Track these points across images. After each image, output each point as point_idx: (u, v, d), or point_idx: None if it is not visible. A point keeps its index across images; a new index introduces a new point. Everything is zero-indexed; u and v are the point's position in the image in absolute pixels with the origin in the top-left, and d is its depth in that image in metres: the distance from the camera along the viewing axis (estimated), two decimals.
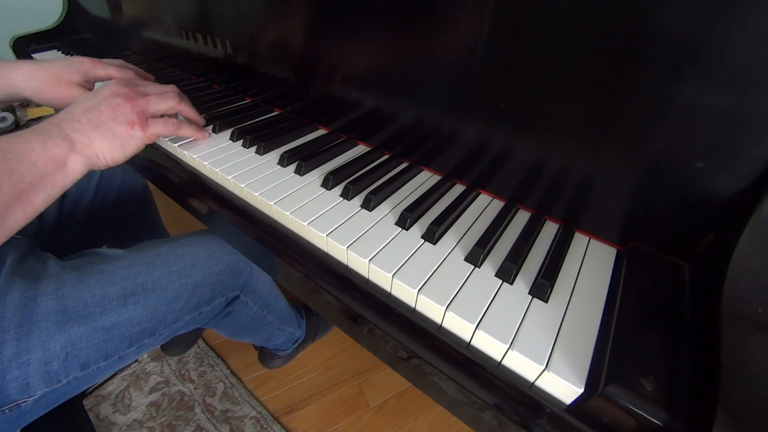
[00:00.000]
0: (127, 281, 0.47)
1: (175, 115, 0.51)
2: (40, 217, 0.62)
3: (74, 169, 0.39)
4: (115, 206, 0.74)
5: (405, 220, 0.38)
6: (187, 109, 0.51)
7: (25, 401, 0.40)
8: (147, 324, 0.48)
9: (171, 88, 0.49)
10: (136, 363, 0.96)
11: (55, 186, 0.38)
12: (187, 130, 0.50)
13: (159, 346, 0.98)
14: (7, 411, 0.39)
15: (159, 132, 0.45)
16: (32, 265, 0.45)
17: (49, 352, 0.41)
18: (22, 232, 0.52)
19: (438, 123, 0.44)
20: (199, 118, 0.54)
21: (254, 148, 0.51)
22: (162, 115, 0.48)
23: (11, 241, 0.48)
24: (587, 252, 0.37)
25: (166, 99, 0.46)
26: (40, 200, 0.37)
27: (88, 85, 0.55)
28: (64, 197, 0.65)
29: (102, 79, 0.55)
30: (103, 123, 0.41)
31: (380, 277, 0.34)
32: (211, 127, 0.57)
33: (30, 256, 0.47)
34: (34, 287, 0.42)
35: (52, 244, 0.63)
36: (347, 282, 0.36)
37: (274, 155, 0.50)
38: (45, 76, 0.51)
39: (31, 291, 0.42)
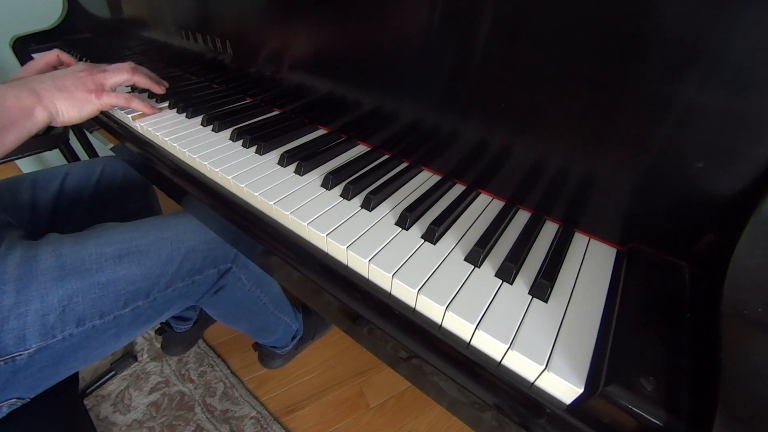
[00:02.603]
0: (122, 243, 0.50)
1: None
2: (34, 212, 0.63)
3: (39, 118, 0.48)
4: (117, 204, 0.74)
5: (405, 220, 0.38)
6: (142, 80, 0.59)
7: (21, 354, 0.41)
8: (141, 284, 0.50)
9: (126, 65, 0.58)
10: (136, 363, 0.96)
11: (23, 129, 0.46)
12: (137, 104, 0.58)
13: (159, 346, 0.98)
14: (2, 363, 0.40)
15: (111, 102, 0.55)
16: (33, 240, 0.48)
17: (46, 304, 0.43)
18: (17, 224, 0.54)
19: (438, 123, 0.44)
20: (157, 85, 0.62)
21: (254, 148, 0.51)
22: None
23: (11, 226, 0.51)
24: (587, 252, 0.37)
25: (119, 73, 0.56)
26: (10, 140, 0.45)
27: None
28: (60, 193, 0.67)
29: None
30: (66, 88, 0.50)
31: (380, 277, 0.34)
32: (211, 127, 0.57)
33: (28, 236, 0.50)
34: (35, 249, 0.45)
35: None
36: (347, 282, 0.36)
37: (274, 155, 0.50)
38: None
39: (31, 251, 0.45)
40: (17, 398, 0.44)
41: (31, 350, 0.42)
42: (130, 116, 0.59)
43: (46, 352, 0.43)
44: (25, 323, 0.41)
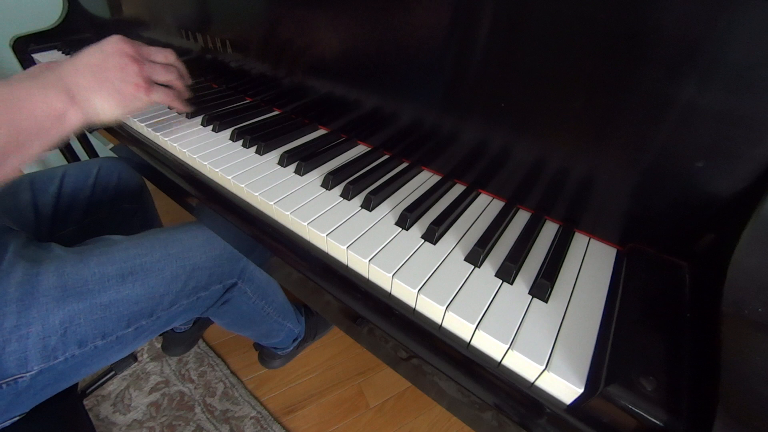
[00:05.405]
0: (125, 261, 0.48)
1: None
2: (36, 214, 0.63)
3: (71, 122, 0.41)
4: (112, 205, 0.74)
5: (405, 220, 0.38)
6: (181, 85, 0.54)
7: (22, 376, 0.40)
8: (144, 304, 0.48)
9: (173, 61, 0.52)
10: (136, 363, 0.96)
11: (51, 137, 0.40)
12: (178, 104, 0.52)
13: (159, 347, 0.98)
14: (4, 386, 0.40)
15: (160, 100, 0.48)
16: (35, 251, 0.47)
17: (48, 327, 0.42)
18: (19, 227, 0.53)
19: (438, 123, 0.44)
20: (185, 92, 0.56)
21: (254, 148, 0.51)
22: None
23: (12, 233, 0.49)
24: (587, 252, 0.37)
25: (168, 72, 0.50)
26: (35, 148, 0.39)
27: None
28: (59, 195, 0.66)
29: None
30: (109, 81, 0.42)
31: (380, 277, 0.34)
32: (211, 127, 0.57)
33: (32, 245, 0.48)
34: (36, 266, 0.44)
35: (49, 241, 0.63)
36: (347, 282, 0.36)
37: (274, 155, 0.50)
38: None
39: (33, 269, 0.43)
40: (19, 415, 0.44)
41: (33, 372, 0.41)
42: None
43: (48, 373, 0.42)
44: (26, 346, 0.40)
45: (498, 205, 0.43)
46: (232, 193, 0.47)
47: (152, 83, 0.47)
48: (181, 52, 0.76)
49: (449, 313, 0.30)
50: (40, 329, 0.41)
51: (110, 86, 0.43)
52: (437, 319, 0.31)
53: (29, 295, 0.41)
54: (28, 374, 0.41)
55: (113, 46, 0.44)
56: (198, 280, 0.54)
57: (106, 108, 0.43)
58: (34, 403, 0.44)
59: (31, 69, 0.42)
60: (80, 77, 0.41)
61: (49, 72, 0.41)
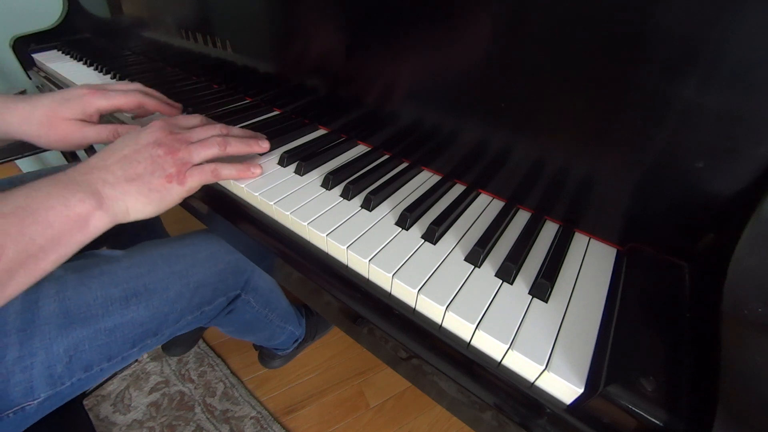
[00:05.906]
0: (128, 282, 0.47)
1: None
2: None
3: (96, 226, 0.36)
4: None
5: (405, 220, 0.38)
6: (237, 148, 0.44)
7: (29, 404, 0.40)
8: (149, 325, 0.48)
9: (217, 131, 0.44)
10: (136, 363, 0.96)
11: (70, 246, 0.35)
12: (228, 172, 0.43)
13: (160, 347, 0.98)
14: (11, 414, 0.39)
15: (197, 184, 0.41)
16: None
17: (52, 355, 0.41)
18: None
19: (438, 123, 0.44)
20: (257, 146, 0.46)
21: None
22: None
23: None
24: (587, 252, 0.37)
25: (208, 147, 0.41)
26: (49, 262, 0.33)
27: (90, 118, 0.49)
28: None
29: (105, 111, 0.50)
30: (140, 176, 0.37)
31: (380, 277, 0.34)
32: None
33: None
34: (35, 290, 0.42)
35: None
36: (347, 282, 0.36)
37: (274, 155, 0.50)
38: (40, 117, 0.47)
39: (32, 294, 0.41)
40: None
41: (40, 399, 0.40)
42: None
43: (55, 397, 0.42)
44: (31, 375, 0.39)
45: (498, 205, 0.43)
46: (233, 193, 0.47)
47: (189, 168, 0.40)
48: (181, 52, 0.76)
49: (449, 313, 0.30)
50: (44, 358, 0.40)
51: (141, 182, 0.37)
52: (437, 319, 0.31)
53: (30, 323, 0.40)
54: (35, 401, 0.40)
55: (149, 136, 0.40)
56: (202, 296, 0.53)
57: (137, 207, 0.38)
58: (38, 418, 0.44)
59: (63, 173, 0.36)
60: (108, 173, 0.37)
61: (76, 168, 0.37)
